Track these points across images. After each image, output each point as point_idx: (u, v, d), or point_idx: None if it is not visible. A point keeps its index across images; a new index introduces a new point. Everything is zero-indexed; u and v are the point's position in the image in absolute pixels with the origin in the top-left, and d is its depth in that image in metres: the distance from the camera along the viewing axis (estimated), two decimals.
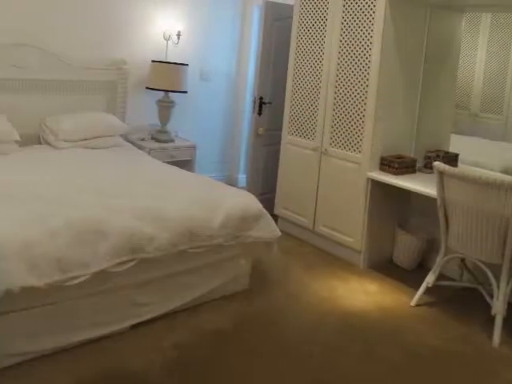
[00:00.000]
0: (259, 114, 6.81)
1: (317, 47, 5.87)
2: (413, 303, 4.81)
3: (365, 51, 5.34)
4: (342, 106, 5.59)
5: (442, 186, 4.45)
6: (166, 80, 6.79)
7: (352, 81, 5.48)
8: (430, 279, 4.76)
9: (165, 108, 6.98)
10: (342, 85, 5.60)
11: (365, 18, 5.32)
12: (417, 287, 4.87)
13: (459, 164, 5.49)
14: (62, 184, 4.55)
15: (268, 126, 6.88)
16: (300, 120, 6.10)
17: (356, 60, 5.44)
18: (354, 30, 5.44)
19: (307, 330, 4.29)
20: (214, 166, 7.99)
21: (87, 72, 6.46)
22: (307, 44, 5.99)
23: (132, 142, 6.64)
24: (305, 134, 6.03)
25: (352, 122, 5.49)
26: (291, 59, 6.21)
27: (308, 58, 5.99)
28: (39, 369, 3.50)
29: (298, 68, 6.12)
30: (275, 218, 5.69)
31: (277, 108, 6.72)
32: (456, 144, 5.72)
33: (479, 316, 4.67)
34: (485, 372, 3.94)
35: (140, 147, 6.54)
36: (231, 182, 7.41)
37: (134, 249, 3.86)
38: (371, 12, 5.26)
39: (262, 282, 5.00)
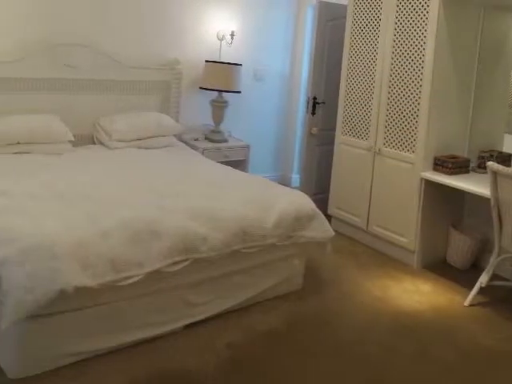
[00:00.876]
0: (313, 113, 6.82)
1: (370, 47, 5.88)
2: (466, 303, 4.78)
3: (418, 51, 5.33)
4: (395, 105, 5.59)
5: (495, 186, 4.42)
6: (220, 80, 6.81)
7: (405, 81, 5.48)
8: (483, 279, 4.74)
9: (218, 108, 7.01)
10: (395, 85, 5.59)
11: (418, 18, 5.31)
12: (470, 287, 4.85)
13: None
14: (116, 184, 4.60)
15: (321, 125, 6.89)
16: (354, 120, 6.10)
17: (409, 60, 5.42)
18: (407, 29, 5.44)
19: (360, 330, 4.28)
20: (268, 166, 8.03)
21: (141, 72, 6.52)
22: (361, 44, 5.99)
23: (185, 142, 6.68)
24: (358, 134, 6.03)
25: (406, 122, 5.48)
26: (345, 59, 6.22)
27: (361, 57, 5.99)
28: (93, 368, 3.52)
29: (352, 68, 6.13)
30: (329, 217, 5.73)
31: (330, 108, 6.73)
32: (510, 144, 5.66)
33: None
34: None
35: (193, 147, 6.58)
36: (285, 182, 7.42)
37: (188, 249, 3.86)
38: (424, 12, 5.24)
39: (316, 282, 5.00)
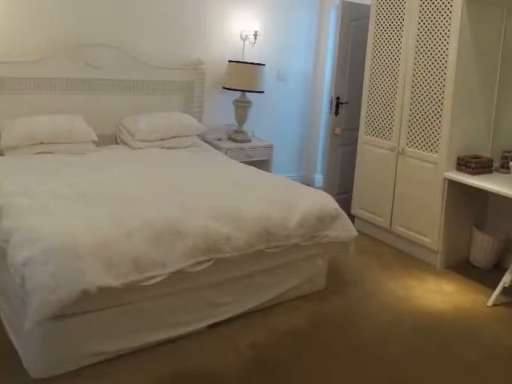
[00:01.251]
0: (336, 113, 6.84)
1: (393, 47, 5.88)
2: (489, 303, 4.78)
3: (441, 51, 5.32)
4: (418, 105, 5.59)
5: None
6: (243, 80, 6.83)
7: (429, 80, 5.47)
8: (506, 279, 4.74)
9: (241, 108, 7.03)
10: (418, 84, 5.59)
11: (441, 18, 5.31)
12: (493, 287, 4.85)
13: None
14: (139, 184, 4.62)
15: (344, 125, 6.90)
16: (377, 120, 6.11)
17: (433, 60, 5.42)
18: (430, 29, 5.43)
19: (383, 330, 4.29)
20: (291, 166, 8.05)
21: (164, 72, 6.55)
22: (384, 44, 6.00)
23: (209, 142, 6.70)
24: (381, 134, 6.04)
25: (429, 122, 5.48)
26: (368, 59, 6.22)
27: (385, 57, 6.00)
28: (116, 368, 3.54)
29: (375, 68, 6.13)
30: (352, 217, 5.72)
31: (353, 108, 6.75)
32: None
33: None
34: None
35: (217, 147, 6.60)
36: (308, 182, 7.43)
37: (211, 249, 3.86)
38: (448, 12, 5.23)
39: (339, 282, 5.01)
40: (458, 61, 5.19)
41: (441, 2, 5.30)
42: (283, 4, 7.56)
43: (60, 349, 3.42)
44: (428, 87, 5.49)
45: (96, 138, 5.69)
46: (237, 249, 3.98)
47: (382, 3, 6.01)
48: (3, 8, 5.51)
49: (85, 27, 5.97)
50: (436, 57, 5.38)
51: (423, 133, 5.54)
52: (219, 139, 6.92)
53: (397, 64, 5.84)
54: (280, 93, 7.74)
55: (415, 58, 5.61)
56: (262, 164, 6.80)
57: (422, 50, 5.54)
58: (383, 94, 6.03)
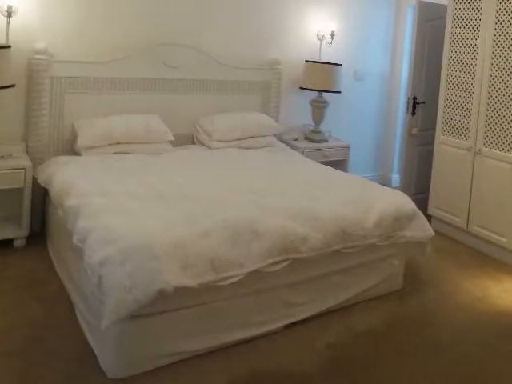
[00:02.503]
0: (413, 113, 6.83)
1: (470, 46, 5.86)
2: None
3: None
4: (496, 105, 5.56)
5: None
6: (320, 80, 6.87)
7: (506, 80, 5.45)
8: None
9: (318, 108, 7.07)
10: (496, 84, 5.57)
11: None
12: None
13: None
14: (216, 184, 4.67)
15: (421, 125, 6.89)
16: (453, 120, 6.10)
17: (510, 59, 5.39)
18: (507, 28, 5.41)
19: (460, 330, 4.27)
20: (368, 166, 8.06)
21: (241, 72, 6.60)
22: (461, 43, 5.98)
23: (285, 142, 6.74)
24: (458, 134, 6.02)
25: (506, 122, 5.45)
26: (445, 59, 6.21)
27: (461, 57, 5.98)
28: (192, 368, 3.55)
29: (452, 67, 6.12)
30: (429, 217, 5.72)
31: (430, 108, 6.74)
32: None
33: None
34: None
35: (293, 147, 6.63)
36: (385, 182, 7.44)
37: (288, 249, 3.87)
38: None
39: (415, 282, 5.00)
40: None
41: None
42: (360, 4, 7.59)
43: (136, 349, 3.45)
44: (505, 87, 5.46)
45: (173, 138, 5.76)
46: (313, 249, 3.98)
47: (458, 3, 6.00)
48: (81, 9, 5.67)
49: (162, 27, 6.08)
50: None
51: (500, 133, 5.52)
52: (296, 139, 6.96)
53: (474, 63, 5.83)
54: (357, 93, 7.76)
55: (492, 58, 5.59)
56: (339, 164, 6.82)
57: (499, 49, 5.52)
58: (460, 93, 6.01)
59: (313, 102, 7.08)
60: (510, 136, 5.41)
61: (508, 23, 5.39)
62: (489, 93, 5.64)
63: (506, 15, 5.41)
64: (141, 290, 3.25)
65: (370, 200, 4.57)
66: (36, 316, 4.01)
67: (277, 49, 6.98)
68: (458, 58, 6.04)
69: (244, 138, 6.20)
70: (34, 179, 5.09)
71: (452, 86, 6.12)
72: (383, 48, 8.00)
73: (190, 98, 6.28)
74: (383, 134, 8.21)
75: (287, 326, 4.06)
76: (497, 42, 5.53)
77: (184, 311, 3.59)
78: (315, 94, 7.05)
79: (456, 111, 6.07)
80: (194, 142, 6.25)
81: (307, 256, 3.96)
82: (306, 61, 7.03)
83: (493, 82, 5.60)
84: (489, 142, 5.64)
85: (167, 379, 3.46)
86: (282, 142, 6.71)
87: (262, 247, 3.77)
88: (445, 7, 6.27)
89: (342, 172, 5.69)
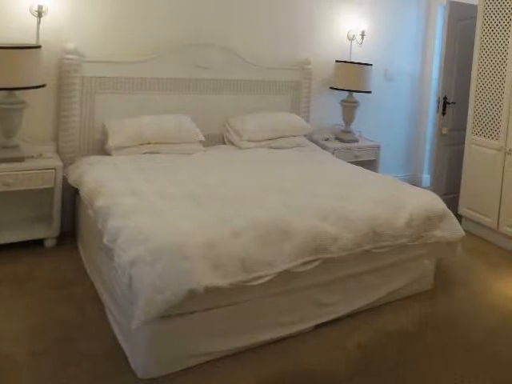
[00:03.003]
0: (443, 113, 6.80)
1: (501, 46, 5.83)
2: None
3: None
4: None
5: None
6: (350, 80, 6.87)
7: None
8: None
9: (349, 108, 7.06)
10: None
11: None
12: None
13: None
14: (246, 184, 4.68)
15: (452, 125, 6.85)
16: (484, 120, 6.07)
17: None
18: None
19: (491, 330, 4.25)
20: (398, 165, 8.03)
21: (271, 72, 6.60)
22: (491, 43, 5.95)
23: (316, 142, 6.73)
24: (489, 134, 6.00)
25: None
26: (475, 59, 6.18)
27: (492, 57, 5.95)
28: (222, 369, 3.55)
29: (482, 67, 6.09)
30: (459, 217, 5.71)
31: (461, 108, 6.70)
32: None
33: None
34: None
35: (324, 147, 6.63)
36: (415, 182, 7.41)
37: (318, 249, 3.87)
38: None
39: (446, 282, 4.98)
40: None
41: None
42: (390, 4, 7.58)
43: (167, 349, 3.46)
44: None
45: (203, 138, 5.78)
46: (344, 249, 3.98)
47: (489, 3, 5.97)
48: (112, 9, 5.71)
49: (193, 27, 6.09)
50: None
51: None
52: (326, 139, 6.95)
53: (504, 63, 5.80)
54: (387, 93, 7.74)
55: None
56: (369, 164, 6.81)
57: None
58: (490, 93, 5.99)
59: (343, 102, 7.08)
60: None
61: None
62: None
63: None
64: (171, 290, 3.26)
65: (401, 200, 4.57)
66: (66, 316, 4.04)
67: (307, 49, 6.99)
68: (488, 57, 6.01)
69: (274, 138, 6.20)
70: (65, 179, 5.13)
71: (482, 86, 6.10)
72: (414, 48, 7.96)
73: (220, 98, 6.28)
74: (413, 134, 8.19)
75: (317, 326, 4.06)
76: None
77: (214, 311, 3.59)
78: (345, 93, 7.05)
79: (486, 111, 6.04)
80: (224, 142, 6.26)
81: (338, 256, 3.96)
82: (337, 61, 7.04)
83: None
84: None
85: (197, 379, 3.47)
86: (313, 142, 6.71)
87: (293, 247, 3.77)
88: (475, 7, 6.25)
89: (373, 172, 5.68)
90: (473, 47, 6.23)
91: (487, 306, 4.64)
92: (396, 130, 7.97)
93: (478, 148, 6.15)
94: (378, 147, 7.12)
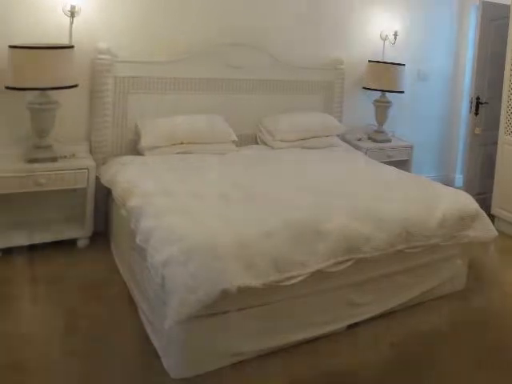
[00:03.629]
0: (476, 113, 6.78)
1: None
2: None
3: None
4: None
5: None
6: (383, 80, 6.86)
7: None
8: None
9: (382, 108, 7.05)
10: None
11: None
12: None
13: None
14: (279, 184, 4.66)
15: (485, 125, 6.82)
16: None
17: None
18: None
19: None
20: (431, 166, 8.00)
21: (304, 72, 6.58)
22: None
23: (348, 142, 6.71)
24: None
25: None
26: (508, 58, 6.15)
27: None
28: (255, 368, 3.55)
29: None
30: (492, 217, 5.68)
31: (493, 108, 6.67)
32: None
33: None
34: None
35: (356, 147, 6.61)
36: (448, 182, 7.33)
37: (351, 249, 3.85)
38: None
39: (479, 283, 4.95)
40: None
41: None
42: (423, 4, 7.54)
43: (200, 349, 3.46)
44: None
45: (236, 138, 5.78)
46: (377, 249, 3.97)
47: None
48: (144, 9, 5.73)
49: (225, 27, 6.08)
50: None
51: None
52: (359, 139, 6.94)
53: None
54: (420, 93, 7.71)
55: None
56: (402, 164, 6.78)
57: None
58: None
59: (376, 102, 7.07)
60: None
61: None
62: None
63: None
64: (204, 290, 3.26)
65: (434, 200, 4.54)
66: (99, 316, 4.06)
67: (340, 49, 6.97)
68: None
69: (307, 138, 6.19)
70: (97, 179, 5.15)
71: None
72: (446, 48, 7.92)
73: (252, 98, 6.28)
74: (446, 134, 8.15)
75: (350, 326, 4.05)
76: None
77: (247, 311, 3.59)
78: (378, 93, 7.04)
79: None
80: (257, 142, 6.26)
81: (370, 256, 3.94)
82: (369, 61, 7.03)
83: None
84: None
85: (230, 379, 3.48)
86: (345, 142, 6.69)
87: (325, 247, 3.76)
88: (508, 7, 6.23)
89: (406, 172, 5.66)
90: (505, 47, 6.20)
91: None
92: (429, 130, 7.93)
93: (510, 148, 6.12)
94: (411, 147, 7.09)
